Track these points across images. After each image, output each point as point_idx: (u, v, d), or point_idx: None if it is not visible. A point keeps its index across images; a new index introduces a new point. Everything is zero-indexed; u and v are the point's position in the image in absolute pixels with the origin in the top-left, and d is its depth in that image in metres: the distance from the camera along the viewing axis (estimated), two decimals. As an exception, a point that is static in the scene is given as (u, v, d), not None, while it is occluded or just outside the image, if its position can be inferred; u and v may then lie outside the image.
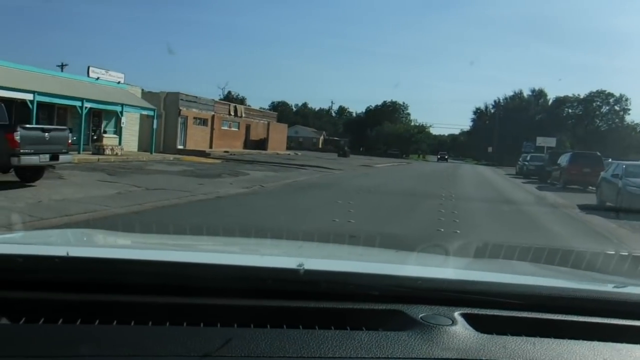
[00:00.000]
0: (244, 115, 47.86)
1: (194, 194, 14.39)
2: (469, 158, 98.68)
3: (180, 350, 1.09)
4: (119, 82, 31.95)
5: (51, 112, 26.94)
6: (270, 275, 1.41)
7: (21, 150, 12.44)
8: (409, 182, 26.77)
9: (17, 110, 22.35)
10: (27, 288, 1.26)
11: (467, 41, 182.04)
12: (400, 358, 1.13)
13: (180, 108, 37.25)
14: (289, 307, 1.31)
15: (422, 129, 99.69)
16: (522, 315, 1.38)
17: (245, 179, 20.10)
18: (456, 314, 1.33)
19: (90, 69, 30.45)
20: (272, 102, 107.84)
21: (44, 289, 1.27)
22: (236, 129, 46.59)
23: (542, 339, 1.27)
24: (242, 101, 75.77)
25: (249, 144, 48.02)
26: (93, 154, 25.76)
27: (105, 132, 30.58)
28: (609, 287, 1.73)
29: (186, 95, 38.53)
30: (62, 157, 13.76)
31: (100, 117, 30.44)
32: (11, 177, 13.84)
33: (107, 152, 26.36)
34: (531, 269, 2.44)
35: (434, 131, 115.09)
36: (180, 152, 34.13)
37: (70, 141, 14.62)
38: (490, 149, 79.76)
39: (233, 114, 45.81)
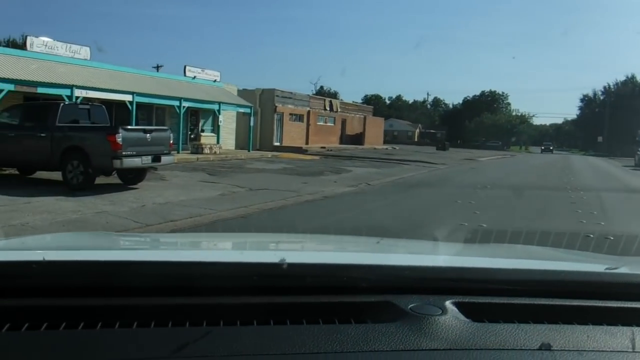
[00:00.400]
0: (339, 109, 46.69)
1: (300, 194, 13.53)
2: (574, 148, 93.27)
3: (163, 351, 1.06)
4: (215, 81, 31.73)
5: (149, 112, 27.00)
6: (254, 271, 1.37)
7: (123, 153, 11.98)
8: (525, 176, 24.80)
9: (117, 111, 22.39)
10: (7, 295, 1.23)
11: (569, 26, 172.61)
12: (387, 351, 1.09)
13: (276, 104, 36.69)
14: (275, 303, 1.26)
15: (524, 119, 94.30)
16: (514, 301, 1.34)
17: (349, 177, 19.14)
18: (447, 303, 1.27)
19: (187, 68, 30.33)
20: (365, 96, 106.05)
21: (25, 295, 1.23)
22: (332, 124, 45.53)
23: (535, 324, 1.23)
24: (334, 95, 74.58)
25: (344, 139, 46.88)
26: (192, 153, 25.59)
27: (202, 130, 30.48)
28: (601, 269, 1.65)
29: (281, 91, 37.90)
30: (164, 159, 13.20)
31: (198, 115, 30.32)
32: (113, 179, 13.49)
33: (206, 150, 26.11)
34: (524, 251, 2.38)
35: (535, 121, 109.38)
36: (277, 148, 33.64)
37: (171, 142, 14.01)
38: (600, 139, 74.55)
39: (328, 108, 44.80)
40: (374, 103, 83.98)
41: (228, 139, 31.57)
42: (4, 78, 17.68)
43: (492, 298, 1.34)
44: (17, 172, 15.29)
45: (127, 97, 22.84)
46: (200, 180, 15.62)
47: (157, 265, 1.45)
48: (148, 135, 12.87)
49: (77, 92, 20.02)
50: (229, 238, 2.99)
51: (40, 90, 18.97)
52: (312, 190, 14.31)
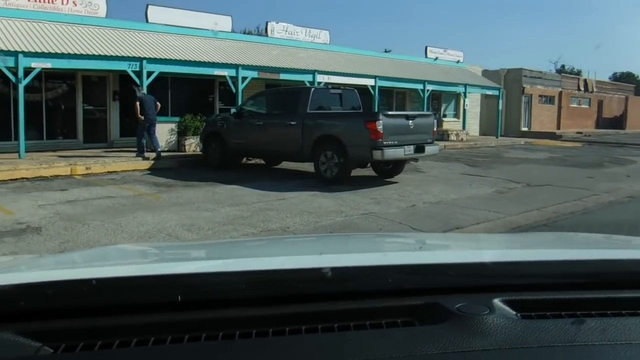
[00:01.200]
0: (595, 89, 41.04)
1: (595, 193, 10.81)
2: None
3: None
4: (457, 61, 29.25)
5: (389, 96, 25.59)
6: (296, 277, 1.28)
7: (384, 142, 10.26)
8: None
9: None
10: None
11: None
12: (438, 353, 1.04)
13: (524, 85, 32.93)
14: (320, 311, 1.19)
15: None
16: (561, 296, 1.25)
17: (639, 169, 15.50)
18: (494, 301, 1.20)
19: (428, 48, 28.32)
20: (614, 74, 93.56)
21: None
22: (586, 106, 40.03)
23: (584, 318, 1.15)
24: (577, 74, 66.87)
25: (601, 122, 41.12)
26: (437, 140, 23.52)
27: (444, 115, 28.23)
28: None
29: (530, 71, 33.89)
30: (428, 149, 11.22)
31: (439, 99, 28.14)
32: (367, 171, 11.94)
33: (452, 137, 23.99)
34: (569, 241, 2.24)
35: None
36: (525, 134, 30.13)
37: (435, 129, 11.99)
38: None
39: (582, 88, 39.48)
40: (625, 82, 73.69)
41: (472, 124, 28.90)
42: (248, 65, 17.26)
43: (539, 294, 1.26)
44: (262, 163, 14.57)
45: (370, 82, 21.48)
46: (462, 173, 13.46)
47: (177, 278, 1.29)
48: (410, 122, 10.97)
49: (319, 78, 19.10)
50: (264, 243, 2.74)
51: (282, 76, 18.35)
52: (607, 188, 11.37)
